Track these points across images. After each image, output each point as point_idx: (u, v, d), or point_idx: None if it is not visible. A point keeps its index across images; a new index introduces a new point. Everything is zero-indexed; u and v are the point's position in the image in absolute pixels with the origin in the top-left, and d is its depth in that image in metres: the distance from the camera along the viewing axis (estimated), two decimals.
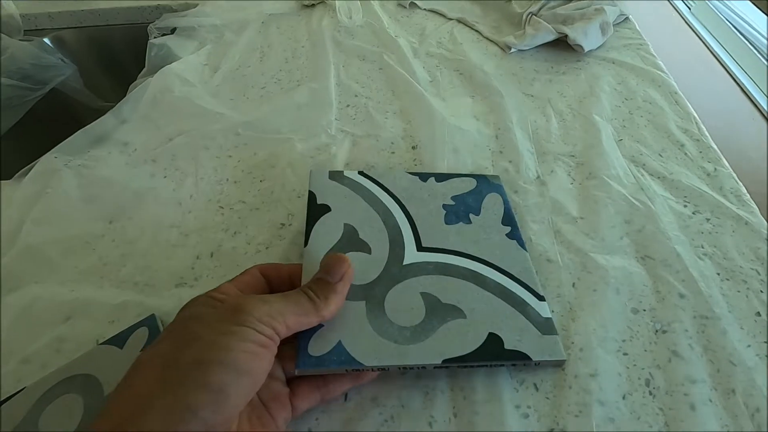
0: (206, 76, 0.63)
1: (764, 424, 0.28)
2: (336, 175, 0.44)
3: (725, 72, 0.56)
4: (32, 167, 0.50)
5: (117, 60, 0.94)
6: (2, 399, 0.33)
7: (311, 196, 0.42)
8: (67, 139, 0.52)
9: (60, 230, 0.44)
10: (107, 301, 0.38)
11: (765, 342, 0.32)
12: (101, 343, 0.35)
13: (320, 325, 0.33)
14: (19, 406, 0.32)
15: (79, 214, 0.46)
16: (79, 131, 0.52)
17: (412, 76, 0.59)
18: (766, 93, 0.52)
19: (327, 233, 0.39)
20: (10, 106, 0.82)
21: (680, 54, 0.57)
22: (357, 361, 0.31)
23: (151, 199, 0.47)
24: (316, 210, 0.41)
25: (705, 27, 0.63)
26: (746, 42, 0.58)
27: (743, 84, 0.53)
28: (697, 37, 0.62)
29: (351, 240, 0.39)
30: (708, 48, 0.60)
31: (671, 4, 0.72)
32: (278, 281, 0.33)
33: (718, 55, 0.58)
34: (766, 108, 0.50)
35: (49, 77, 0.83)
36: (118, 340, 0.35)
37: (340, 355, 0.31)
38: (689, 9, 0.68)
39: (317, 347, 0.32)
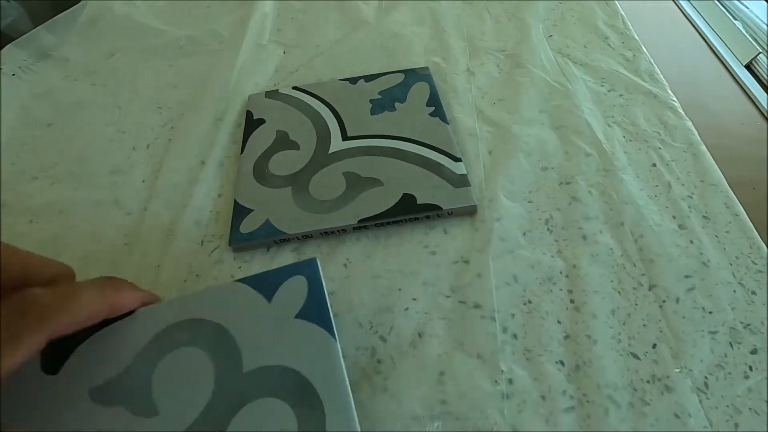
0: None
1: (646, 247, 0.31)
2: (271, 93, 0.46)
3: (693, 29, 0.57)
4: None
5: (68, 3, 0.92)
6: None
7: (248, 114, 0.44)
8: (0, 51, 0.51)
9: None
10: (38, 195, 0.39)
11: (656, 186, 0.34)
12: (240, 280, 0.26)
13: (251, 210, 0.35)
14: (135, 331, 0.24)
15: (17, 118, 0.46)
16: (10, 44, 0.52)
17: None
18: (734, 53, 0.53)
19: (261, 140, 0.41)
20: None
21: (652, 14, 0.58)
22: (282, 232, 0.34)
23: (91, 104, 0.48)
24: (252, 124, 0.43)
25: None
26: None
27: (712, 43, 0.55)
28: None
29: (282, 142, 0.41)
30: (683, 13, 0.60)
31: None
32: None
33: (687, 12, 0.59)
34: (735, 69, 0.51)
35: None
36: (266, 285, 0.26)
37: (267, 229, 0.34)
38: None
39: (247, 226, 0.34)
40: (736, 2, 0.61)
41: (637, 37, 0.48)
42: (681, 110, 0.40)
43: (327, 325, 0.24)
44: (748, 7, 0.59)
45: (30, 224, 0.37)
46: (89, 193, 0.39)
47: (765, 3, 0.59)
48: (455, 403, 0.25)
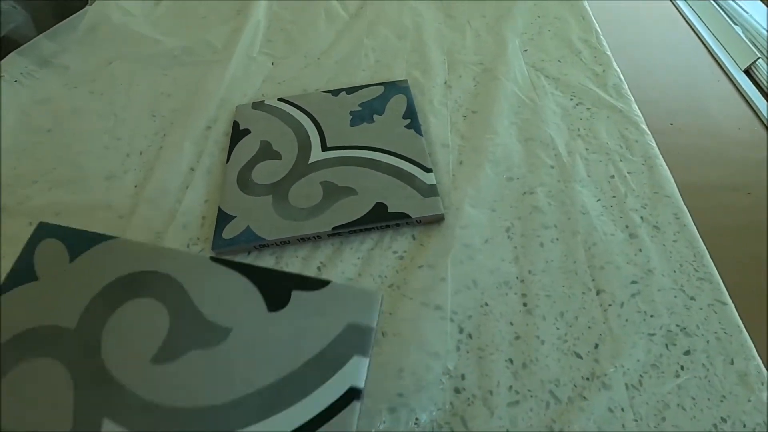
0: (149, 8, 0.65)
1: (597, 255, 0.33)
2: (258, 105, 0.48)
3: (693, 33, 0.58)
4: None
5: (71, 8, 0.94)
6: None
7: (235, 125, 0.46)
8: (2, 60, 0.54)
9: None
10: (38, 198, 0.42)
11: (613, 196, 0.37)
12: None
13: (233, 216, 0.38)
14: None
15: (19, 124, 0.49)
16: (13, 52, 0.54)
17: (343, 7, 0.61)
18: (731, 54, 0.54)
19: (246, 150, 0.43)
20: None
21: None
22: (261, 238, 0.36)
23: (88, 112, 0.50)
24: (238, 134, 0.45)
25: None
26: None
27: (710, 46, 0.56)
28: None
29: (265, 152, 0.43)
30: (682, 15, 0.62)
31: None
32: None
33: (689, 19, 0.60)
34: (732, 72, 0.52)
35: (0, 24, 0.84)
36: (23, 270, 0.25)
37: (248, 235, 0.37)
38: None
39: (229, 232, 0.37)
40: (736, 6, 0.62)
41: (608, 53, 0.50)
42: (643, 125, 0.42)
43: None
44: (747, 12, 0.60)
45: (29, 226, 0.39)
46: (85, 197, 0.41)
47: (765, 7, 0.60)
48: (412, 396, 0.28)
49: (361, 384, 0.22)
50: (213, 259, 0.25)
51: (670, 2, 0.63)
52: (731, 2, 0.62)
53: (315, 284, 0.23)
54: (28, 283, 0.24)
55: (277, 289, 0.23)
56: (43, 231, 0.27)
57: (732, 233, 0.39)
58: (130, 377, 0.21)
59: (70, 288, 0.24)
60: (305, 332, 0.22)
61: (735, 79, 0.52)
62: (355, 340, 0.22)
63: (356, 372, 0.22)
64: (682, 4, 0.63)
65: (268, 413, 0.20)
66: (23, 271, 0.25)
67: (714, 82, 0.52)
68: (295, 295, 0.23)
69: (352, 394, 0.21)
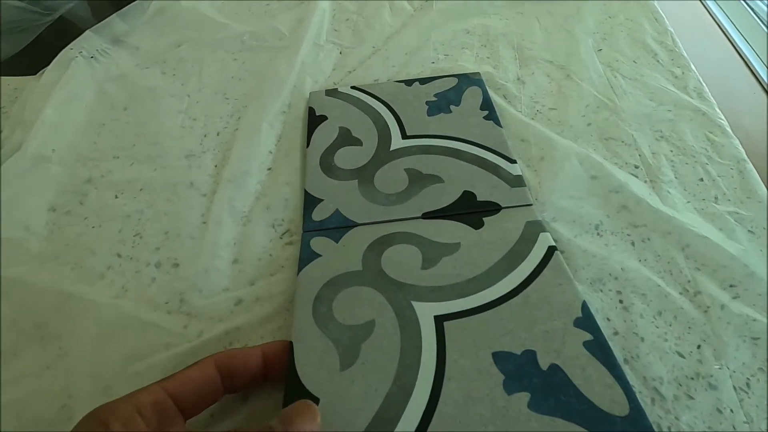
0: None
1: (691, 256, 0.33)
2: (331, 92, 0.48)
3: (731, 45, 0.57)
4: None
5: None
6: None
7: (311, 111, 0.46)
8: (78, 37, 0.55)
9: (77, 113, 0.48)
10: (120, 173, 0.43)
11: (703, 199, 0.36)
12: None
13: (320, 199, 0.38)
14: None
15: (95, 100, 0.50)
16: (87, 30, 0.55)
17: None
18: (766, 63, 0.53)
19: (325, 136, 0.44)
20: (19, 29, 0.84)
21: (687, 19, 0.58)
22: (351, 221, 0.37)
23: (162, 91, 0.51)
24: (315, 120, 0.45)
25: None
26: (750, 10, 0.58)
27: (747, 57, 0.55)
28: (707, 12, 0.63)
29: (345, 138, 0.43)
30: (716, 22, 0.61)
31: None
32: (244, 374, 0.26)
33: (723, 25, 0.59)
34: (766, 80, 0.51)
35: (57, 4, 0.85)
36: (307, 254, 0.34)
37: (337, 218, 0.37)
38: None
39: (318, 214, 0.37)
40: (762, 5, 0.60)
41: (685, 55, 0.49)
42: (728, 128, 0.41)
43: None
44: None
45: (115, 199, 0.40)
46: (166, 174, 0.42)
47: None
48: None
49: (554, 244, 0.33)
50: (423, 216, 0.36)
51: (700, 4, 0.62)
52: (765, 7, 0.60)
53: (496, 210, 0.36)
54: (315, 259, 0.34)
55: (473, 219, 0.35)
56: (307, 236, 0.36)
57: None
58: (412, 279, 0.32)
59: (346, 253, 0.34)
60: (505, 232, 0.34)
61: None
62: (535, 227, 0.34)
63: (548, 240, 0.33)
64: (712, 6, 0.61)
65: (503, 275, 0.31)
66: (308, 254, 0.34)
67: (749, 95, 0.51)
68: (486, 220, 0.35)
69: (552, 249, 0.32)
